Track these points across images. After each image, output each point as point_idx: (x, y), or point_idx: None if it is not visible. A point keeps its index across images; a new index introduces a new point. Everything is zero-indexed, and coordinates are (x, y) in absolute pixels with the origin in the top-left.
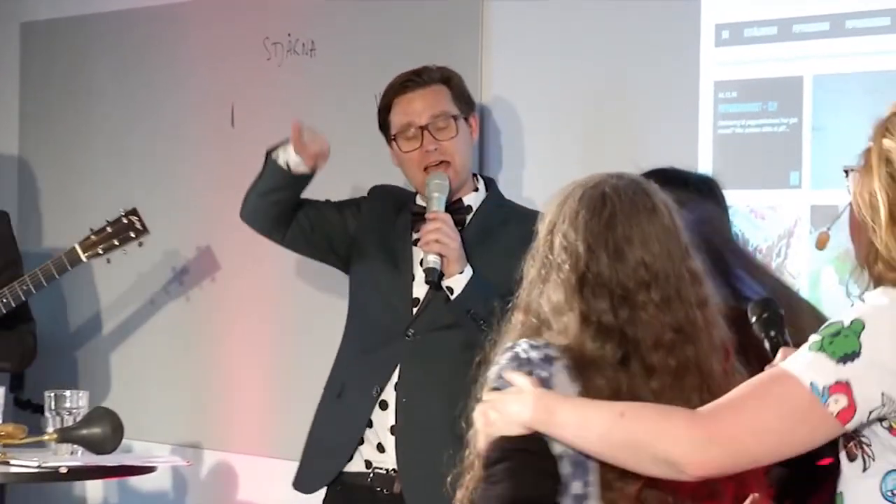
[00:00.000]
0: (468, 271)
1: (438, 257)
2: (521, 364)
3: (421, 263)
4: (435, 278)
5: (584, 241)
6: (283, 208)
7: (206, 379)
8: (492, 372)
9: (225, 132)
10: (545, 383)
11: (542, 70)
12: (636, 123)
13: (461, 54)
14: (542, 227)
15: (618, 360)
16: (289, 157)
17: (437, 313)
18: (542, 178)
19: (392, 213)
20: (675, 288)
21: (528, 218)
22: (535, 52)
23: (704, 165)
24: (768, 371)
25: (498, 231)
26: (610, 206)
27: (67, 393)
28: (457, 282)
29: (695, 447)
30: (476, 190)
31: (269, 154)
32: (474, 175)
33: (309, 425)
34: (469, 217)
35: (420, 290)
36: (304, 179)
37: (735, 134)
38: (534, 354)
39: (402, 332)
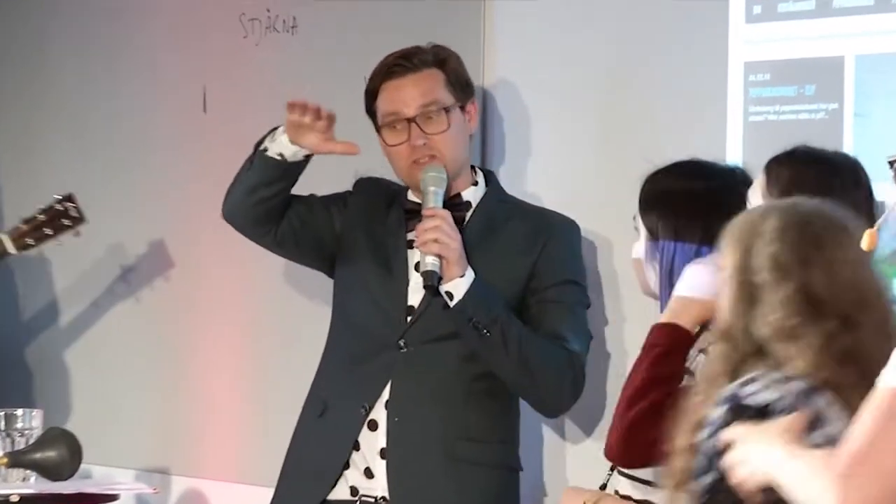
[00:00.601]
0: (469, 275)
1: (437, 259)
2: (787, 400)
3: (416, 267)
4: (434, 282)
5: (798, 259)
6: (273, 204)
7: (174, 395)
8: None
9: (196, 118)
10: (819, 418)
11: (551, 51)
12: (656, 110)
13: (461, 29)
14: (728, 253)
15: (854, 384)
16: (282, 148)
17: (435, 322)
18: (549, 172)
19: (382, 209)
20: (881, 315)
21: (531, 215)
22: (543, 32)
23: (733, 156)
24: (879, 394)
25: (500, 229)
26: (813, 226)
27: (19, 412)
28: (457, 286)
29: (844, 491)
30: (475, 184)
31: (257, 146)
32: (472, 167)
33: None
34: (469, 214)
35: (415, 296)
36: (300, 168)
37: (767, 121)
38: (793, 387)
39: (394, 342)
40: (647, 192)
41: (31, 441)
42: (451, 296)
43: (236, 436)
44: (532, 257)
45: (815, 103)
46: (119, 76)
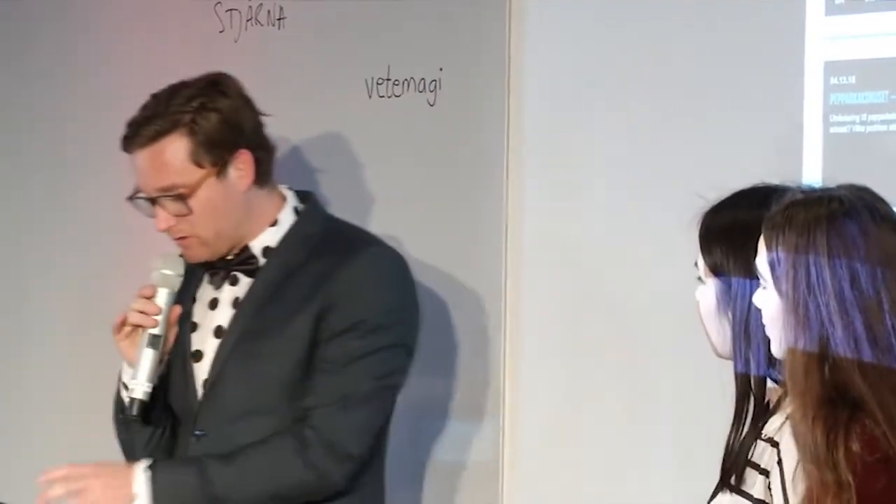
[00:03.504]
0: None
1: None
2: None
3: (215, 333)
4: (133, 413)
5: None
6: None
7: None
8: None
9: None
10: None
11: (588, 51)
12: (718, 121)
13: (477, 24)
14: None
15: None
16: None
17: (233, 395)
18: (583, 193)
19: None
20: None
21: (332, 248)
22: (580, 27)
23: (811, 176)
24: None
25: (295, 275)
26: None
27: None
28: None
29: None
30: (273, 224)
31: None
32: (284, 195)
33: None
34: (262, 263)
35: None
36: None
37: (853, 133)
38: None
39: (190, 428)
40: (707, 228)
41: None
42: None
43: None
44: (315, 305)
45: None
46: (64, 79)
